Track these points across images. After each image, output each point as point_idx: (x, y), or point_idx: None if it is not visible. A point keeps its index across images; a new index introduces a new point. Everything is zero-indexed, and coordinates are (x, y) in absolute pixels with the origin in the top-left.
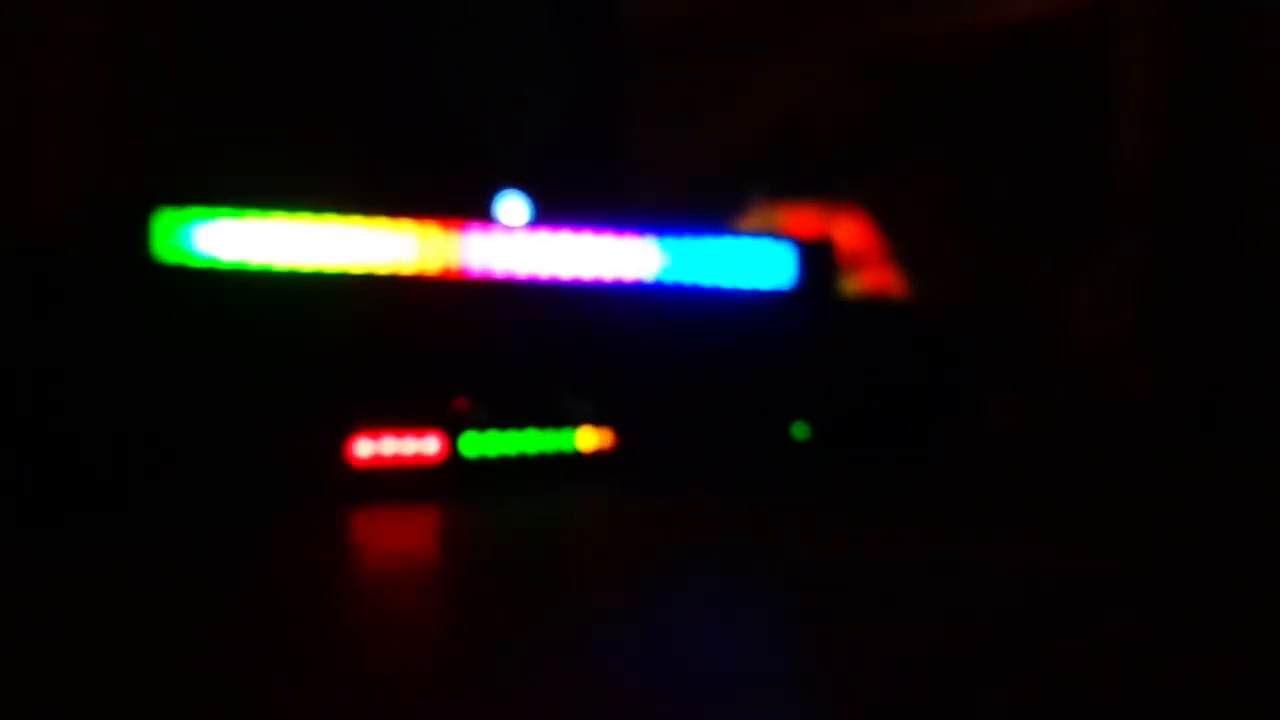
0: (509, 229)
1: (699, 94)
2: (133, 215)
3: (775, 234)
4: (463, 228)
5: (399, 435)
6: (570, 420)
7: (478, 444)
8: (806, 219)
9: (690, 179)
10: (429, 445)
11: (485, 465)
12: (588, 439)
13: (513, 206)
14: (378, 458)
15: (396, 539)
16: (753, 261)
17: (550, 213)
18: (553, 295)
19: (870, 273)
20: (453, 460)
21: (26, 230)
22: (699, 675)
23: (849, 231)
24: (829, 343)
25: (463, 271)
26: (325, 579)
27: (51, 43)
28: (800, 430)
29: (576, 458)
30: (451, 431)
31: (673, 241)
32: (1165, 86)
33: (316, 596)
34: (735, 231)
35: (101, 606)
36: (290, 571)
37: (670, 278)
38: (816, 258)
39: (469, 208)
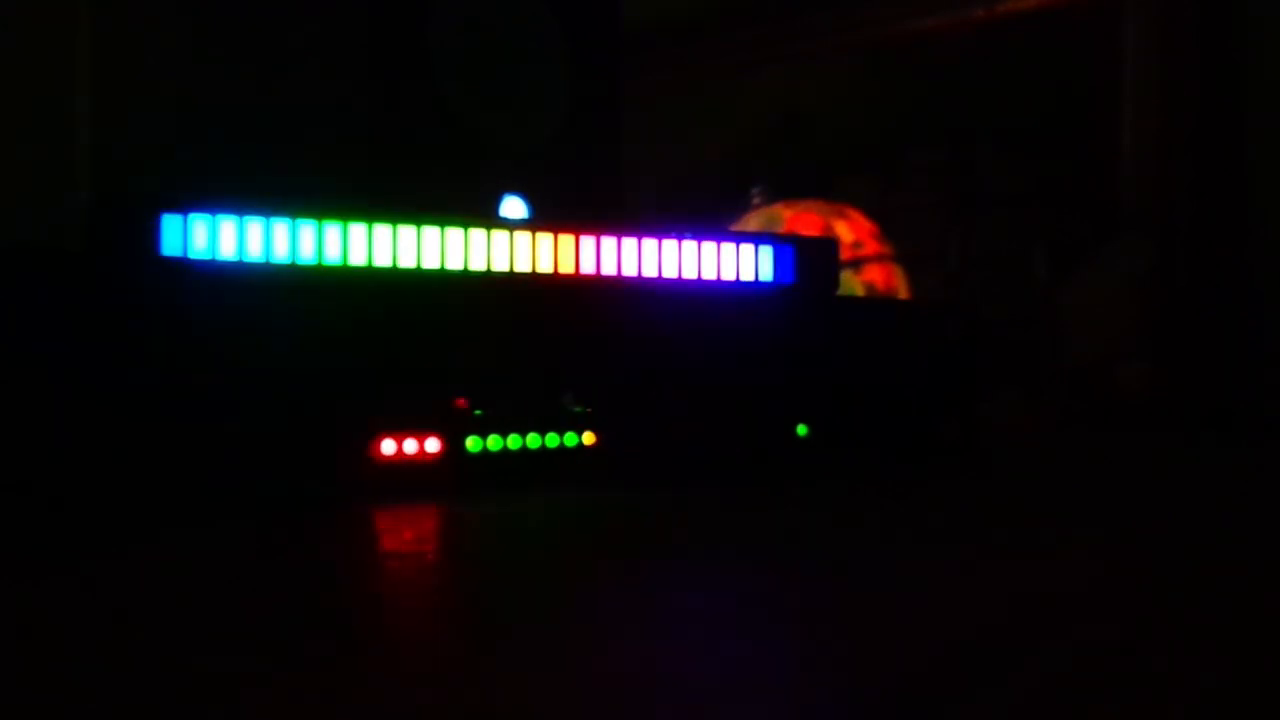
0: (511, 226)
1: (699, 94)
2: (138, 215)
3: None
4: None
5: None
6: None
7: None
8: (806, 219)
9: (690, 179)
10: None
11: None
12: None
13: (513, 207)
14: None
15: (399, 537)
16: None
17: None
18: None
19: (870, 272)
20: (455, 458)
21: (18, 229)
22: (695, 674)
23: (849, 231)
24: (829, 341)
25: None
26: (330, 574)
27: (50, 41)
28: (801, 428)
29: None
30: (452, 431)
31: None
32: (1169, 87)
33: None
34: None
35: (98, 601)
36: (297, 567)
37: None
38: (816, 255)
39: (471, 209)
